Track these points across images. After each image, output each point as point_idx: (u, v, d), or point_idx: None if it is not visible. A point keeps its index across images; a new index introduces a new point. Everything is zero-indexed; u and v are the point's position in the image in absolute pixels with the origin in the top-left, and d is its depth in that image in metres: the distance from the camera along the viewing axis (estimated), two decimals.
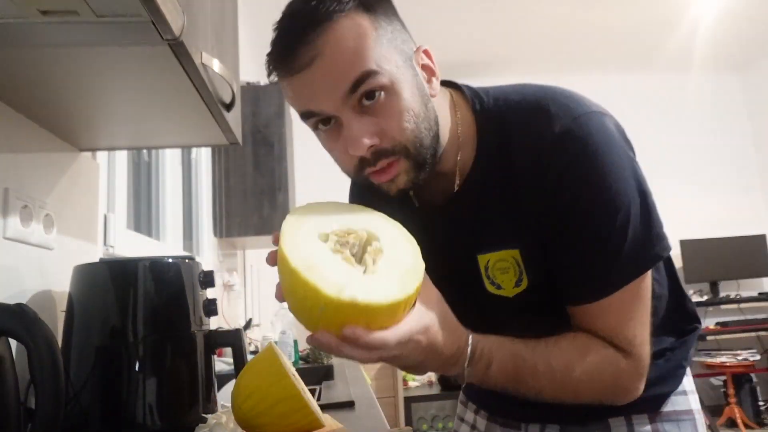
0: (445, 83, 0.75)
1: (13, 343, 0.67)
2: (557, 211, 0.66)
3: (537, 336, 0.68)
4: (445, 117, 0.70)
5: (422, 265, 0.56)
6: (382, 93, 0.61)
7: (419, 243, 0.60)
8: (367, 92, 0.60)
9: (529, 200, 0.67)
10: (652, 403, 0.77)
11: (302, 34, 0.59)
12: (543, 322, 0.71)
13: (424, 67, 0.67)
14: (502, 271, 0.71)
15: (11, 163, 0.87)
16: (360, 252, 0.56)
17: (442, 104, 0.70)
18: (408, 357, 0.57)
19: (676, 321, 0.81)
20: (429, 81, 0.67)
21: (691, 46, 4.38)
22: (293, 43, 0.60)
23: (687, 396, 0.80)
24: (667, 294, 0.81)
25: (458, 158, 0.71)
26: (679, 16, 3.97)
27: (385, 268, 0.54)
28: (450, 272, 0.70)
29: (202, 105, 0.86)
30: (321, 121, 0.64)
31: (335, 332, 0.51)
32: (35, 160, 0.94)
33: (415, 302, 0.56)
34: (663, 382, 0.78)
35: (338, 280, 0.50)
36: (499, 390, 0.67)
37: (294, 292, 0.52)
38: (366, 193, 0.74)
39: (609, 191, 0.64)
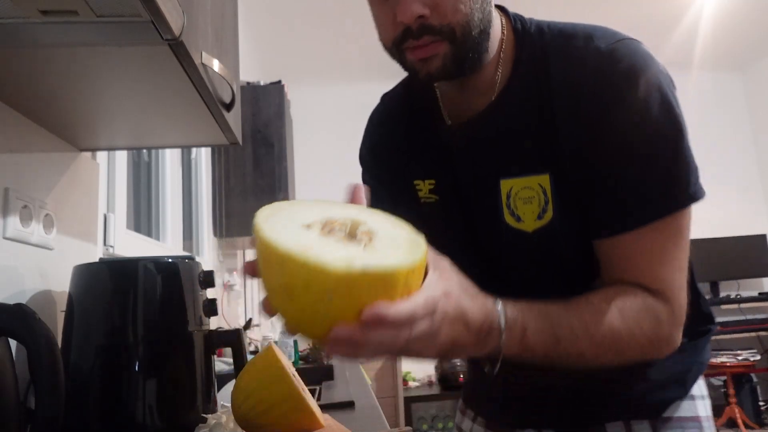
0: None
1: (12, 343, 0.67)
2: (597, 134, 0.61)
3: (555, 287, 0.63)
4: (496, 26, 0.67)
5: (422, 237, 0.48)
6: None
7: (442, 164, 0.66)
8: None
9: (566, 122, 0.63)
10: (654, 409, 0.72)
11: None
12: (562, 267, 0.66)
13: None
14: (525, 200, 0.65)
15: (11, 163, 0.87)
16: (349, 237, 0.46)
17: (495, 14, 0.67)
18: (437, 334, 0.48)
19: (688, 319, 0.71)
20: None
21: (692, 45, 4.38)
22: None
23: (695, 401, 0.74)
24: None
25: (497, 76, 0.67)
26: (679, 16, 3.97)
27: (384, 243, 0.45)
28: (467, 199, 0.69)
29: (202, 105, 0.86)
30: None
31: (352, 321, 0.42)
32: (35, 160, 0.94)
33: (425, 276, 0.48)
34: (668, 387, 0.73)
35: (342, 255, 0.41)
36: (539, 362, 0.59)
37: (291, 287, 0.42)
38: (386, 139, 0.76)
39: (656, 115, 0.60)
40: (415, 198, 0.76)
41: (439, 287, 0.48)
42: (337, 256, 0.41)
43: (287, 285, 0.42)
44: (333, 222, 0.46)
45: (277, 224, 0.45)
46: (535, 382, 0.74)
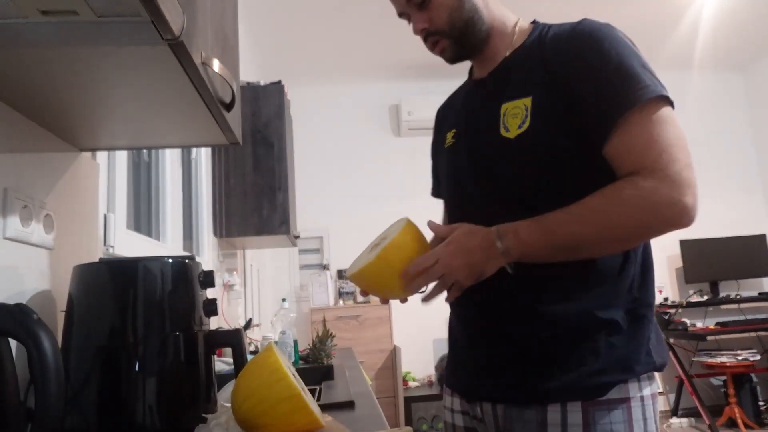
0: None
1: (12, 343, 0.67)
2: (576, 59, 0.85)
3: (532, 192, 0.86)
4: (501, 16, 0.98)
5: (406, 221, 0.90)
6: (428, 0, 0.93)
7: (464, 113, 0.99)
8: (418, 0, 0.94)
9: (552, 58, 0.88)
10: (591, 392, 0.80)
11: None
12: (537, 170, 0.87)
13: None
14: (513, 116, 0.89)
15: (11, 163, 0.87)
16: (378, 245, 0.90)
17: (497, 3, 0.98)
18: (452, 265, 0.82)
19: (634, 295, 0.86)
20: None
21: (692, 45, 4.38)
22: None
23: (627, 384, 0.81)
24: (640, 261, 0.87)
25: (511, 46, 0.97)
26: (680, 15, 3.97)
27: (387, 239, 0.87)
28: (477, 120, 0.96)
29: (202, 105, 0.86)
30: (407, 16, 0.99)
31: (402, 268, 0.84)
32: (35, 160, 0.94)
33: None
34: (605, 373, 0.81)
35: (373, 254, 0.86)
36: (545, 256, 0.81)
37: (372, 279, 0.87)
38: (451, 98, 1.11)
39: (619, 44, 0.84)
40: (443, 146, 1.05)
41: (441, 246, 0.84)
42: (372, 255, 0.86)
43: (372, 281, 0.88)
44: (374, 246, 0.90)
45: (354, 265, 0.91)
46: (495, 356, 0.89)
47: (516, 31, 0.97)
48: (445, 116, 1.10)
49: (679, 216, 0.77)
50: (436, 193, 1.15)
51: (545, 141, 0.85)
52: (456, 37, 0.94)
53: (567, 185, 0.85)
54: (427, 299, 0.88)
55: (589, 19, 0.89)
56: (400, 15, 0.99)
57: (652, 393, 0.84)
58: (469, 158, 0.96)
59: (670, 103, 0.82)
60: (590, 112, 0.82)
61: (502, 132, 0.90)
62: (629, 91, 0.80)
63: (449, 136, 1.03)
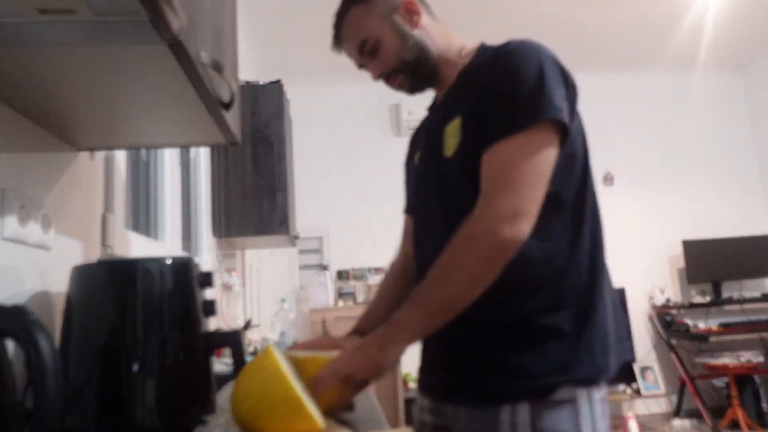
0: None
1: (11, 344, 0.66)
2: (489, 86, 0.91)
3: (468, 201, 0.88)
4: (446, 43, 1.05)
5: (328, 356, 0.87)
6: (376, 47, 1.02)
7: (425, 138, 1.06)
8: (368, 51, 1.03)
9: (479, 85, 0.93)
10: (536, 393, 0.85)
11: (334, 28, 1.08)
12: (472, 184, 0.90)
13: (407, 11, 1.03)
14: (451, 136, 0.96)
15: (9, 163, 0.87)
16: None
17: (440, 33, 1.05)
18: (352, 364, 0.83)
19: (582, 298, 0.89)
20: (410, 20, 1.03)
21: (693, 45, 4.38)
22: (333, 35, 1.09)
23: (574, 386, 0.85)
24: (587, 266, 0.90)
25: (457, 72, 1.03)
26: (681, 15, 3.96)
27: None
28: (431, 143, 1.02)
29: (201, 104, 0.86)
30: (365, 66, 1.07)
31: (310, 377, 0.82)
32: (33, 160, 0.93)
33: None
34: (549, 375, 0.84)
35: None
36: (433, 325, 0.85)
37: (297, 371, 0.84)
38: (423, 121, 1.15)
39: (514, 67, 0.89)
40: (413, 165, 1.13)
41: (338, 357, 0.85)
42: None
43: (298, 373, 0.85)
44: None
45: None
46: (453, 361, 0.93)
47: (462, 56, 1.03)
48: (417, 138, 1.17)
49: (496, 255, 0.82)
50: (407, 210, 1.20)
51: (474, 157, 0.90)
52: (408, 71, 1.03)
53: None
54: (343, 405, 0.89)
55: (515, 40, 0.94)
56: (360, 67, 1.07)
57: (601, 397, 0.88)
58: (429, 179, 1.02)
59: (562, 127, 0.87)
60: (490, 131, 0.88)
61: (445, 152, 0.96)
62: (514, 116, 0.86)
63: (416, 157, 1.10)
